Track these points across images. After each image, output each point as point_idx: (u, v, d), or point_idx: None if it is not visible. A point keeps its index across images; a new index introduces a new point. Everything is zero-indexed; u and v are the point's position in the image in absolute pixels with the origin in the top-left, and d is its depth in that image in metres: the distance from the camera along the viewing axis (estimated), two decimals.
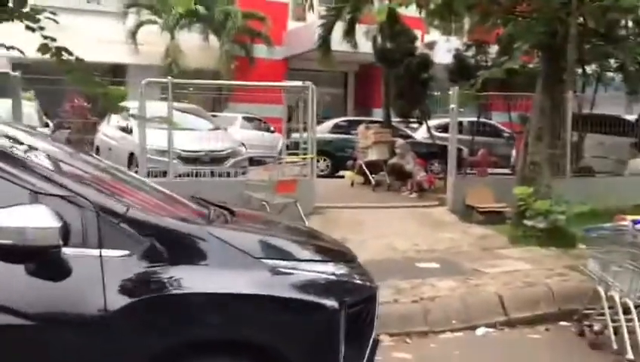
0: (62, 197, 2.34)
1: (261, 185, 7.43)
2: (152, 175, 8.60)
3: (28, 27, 6.41)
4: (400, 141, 11.42)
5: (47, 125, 11.07)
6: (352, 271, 2.98)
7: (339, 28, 13.49)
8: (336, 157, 14.07)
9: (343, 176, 12.91)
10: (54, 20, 6.29)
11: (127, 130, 10.24)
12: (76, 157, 3.14)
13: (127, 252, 2.38)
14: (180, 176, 8.71)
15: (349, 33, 13.32)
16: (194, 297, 2.42)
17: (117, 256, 2.36)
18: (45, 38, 6.39)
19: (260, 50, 22.27)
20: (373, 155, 11.18)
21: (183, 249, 2.50)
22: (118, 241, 2.38)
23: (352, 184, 11.57)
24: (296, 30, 22.40)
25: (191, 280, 2.43)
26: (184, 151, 9.32)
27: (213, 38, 21.83)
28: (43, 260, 2.27)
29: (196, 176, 8.88)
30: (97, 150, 11.99)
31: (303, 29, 21.02)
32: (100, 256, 2.34)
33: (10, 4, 6.20)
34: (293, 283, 2.61)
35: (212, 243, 2.53)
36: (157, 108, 9.17)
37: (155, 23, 20.79)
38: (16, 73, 7.82)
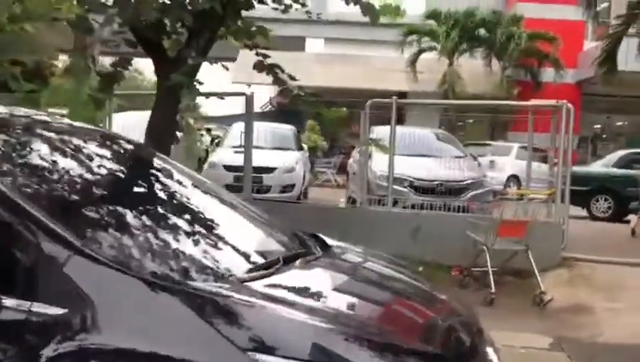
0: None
1: (482, 224, 6.09)
2: (378, 203, 7.96)
3: (246, 45, 6.38)
4: None
5: (301, 148, 11.33)
6: None
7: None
8: (622, 197, 11.51)
9: (628, 221, 10.43)
10: (264, 35, 6.16)
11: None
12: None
13: (64, 310, 1.65)
14: (406, 206, 7.84)
15: None
16: None
17: (50, 314, 1.64)
18: (257, 55, 6.28)
19: (548, 75, 20.13)
20: None
21: (134, 312, 1.65)
22: (55, 293, 1.67)
23: (633, 233, 9.16)
24: (592, 50, 19.62)
25: None
26: (416, 179, 8.44)
27: (496, 63, 20.54)
28: None
29: (430, 208, 7.88)
30: (347, 175, 11.91)
31: (598, 49, 18.29)
32: (29, 311, 1.65)
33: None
34: None
35: (180, 311, 1.63)
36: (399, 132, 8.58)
37: (434, 49, 20.40)
38: (250, 93, 7.95)
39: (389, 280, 2.53)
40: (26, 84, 8.50)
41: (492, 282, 5.72)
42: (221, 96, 8.05)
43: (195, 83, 5.74)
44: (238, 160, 10.23)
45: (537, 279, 5.84)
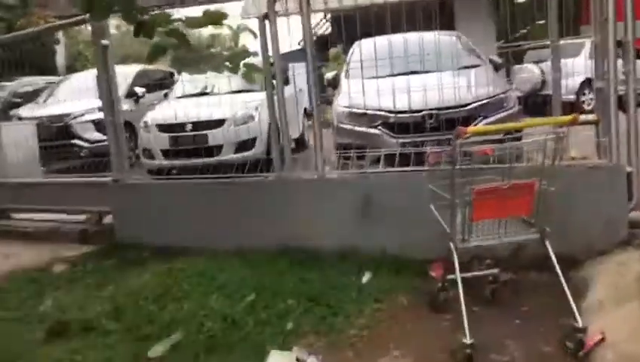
0: None
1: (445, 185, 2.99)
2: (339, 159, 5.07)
3: None
4: None
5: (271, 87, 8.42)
6: None
7: None
8: None
9: None
10: None
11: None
12: None
13: None
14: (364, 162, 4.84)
15: None
16: None
17: None
18: None
19: None
20: None
21: None
22: None
23: None
24: None
25: None
26: (393, 113, 5.38)
27: None
28: None
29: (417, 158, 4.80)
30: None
31: None
32: None
33: None
34: None
35: None
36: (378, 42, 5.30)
37: None
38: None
39: None
40: None
41: (464, 312, 2.75)
42: None
43: None
44: (173, 116, 7.54)
45: (570, 301, 2.81)
